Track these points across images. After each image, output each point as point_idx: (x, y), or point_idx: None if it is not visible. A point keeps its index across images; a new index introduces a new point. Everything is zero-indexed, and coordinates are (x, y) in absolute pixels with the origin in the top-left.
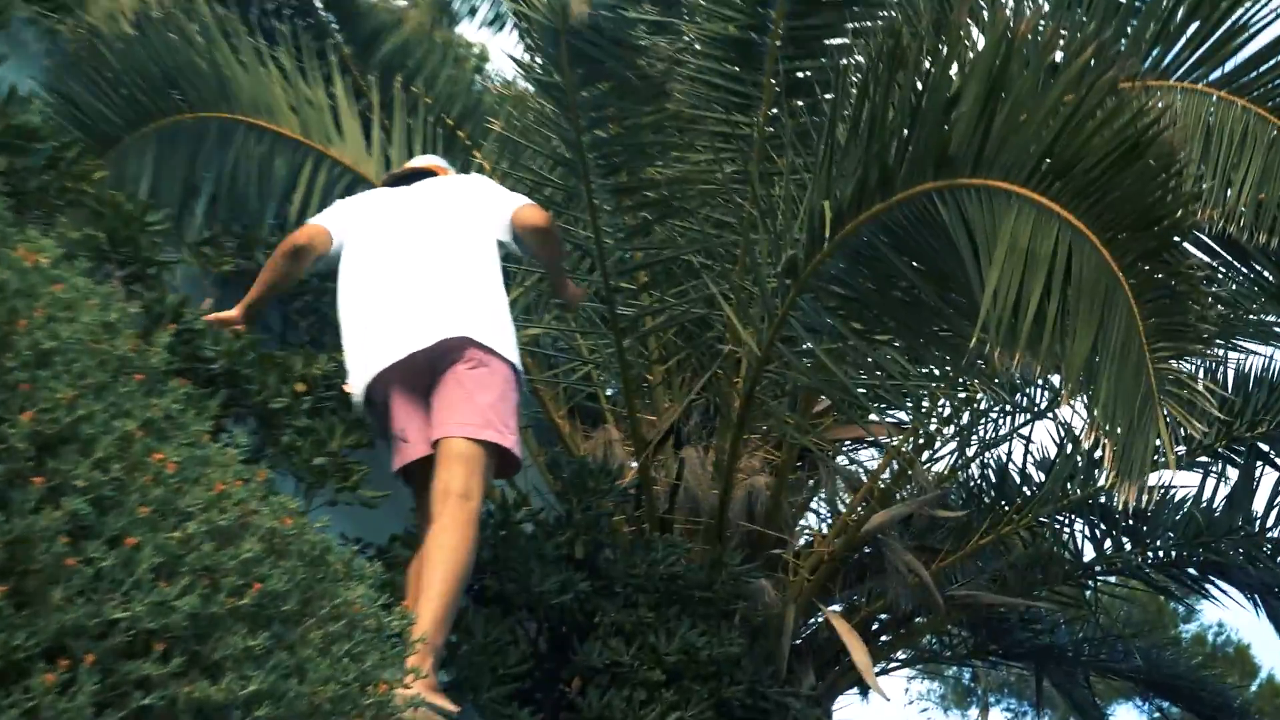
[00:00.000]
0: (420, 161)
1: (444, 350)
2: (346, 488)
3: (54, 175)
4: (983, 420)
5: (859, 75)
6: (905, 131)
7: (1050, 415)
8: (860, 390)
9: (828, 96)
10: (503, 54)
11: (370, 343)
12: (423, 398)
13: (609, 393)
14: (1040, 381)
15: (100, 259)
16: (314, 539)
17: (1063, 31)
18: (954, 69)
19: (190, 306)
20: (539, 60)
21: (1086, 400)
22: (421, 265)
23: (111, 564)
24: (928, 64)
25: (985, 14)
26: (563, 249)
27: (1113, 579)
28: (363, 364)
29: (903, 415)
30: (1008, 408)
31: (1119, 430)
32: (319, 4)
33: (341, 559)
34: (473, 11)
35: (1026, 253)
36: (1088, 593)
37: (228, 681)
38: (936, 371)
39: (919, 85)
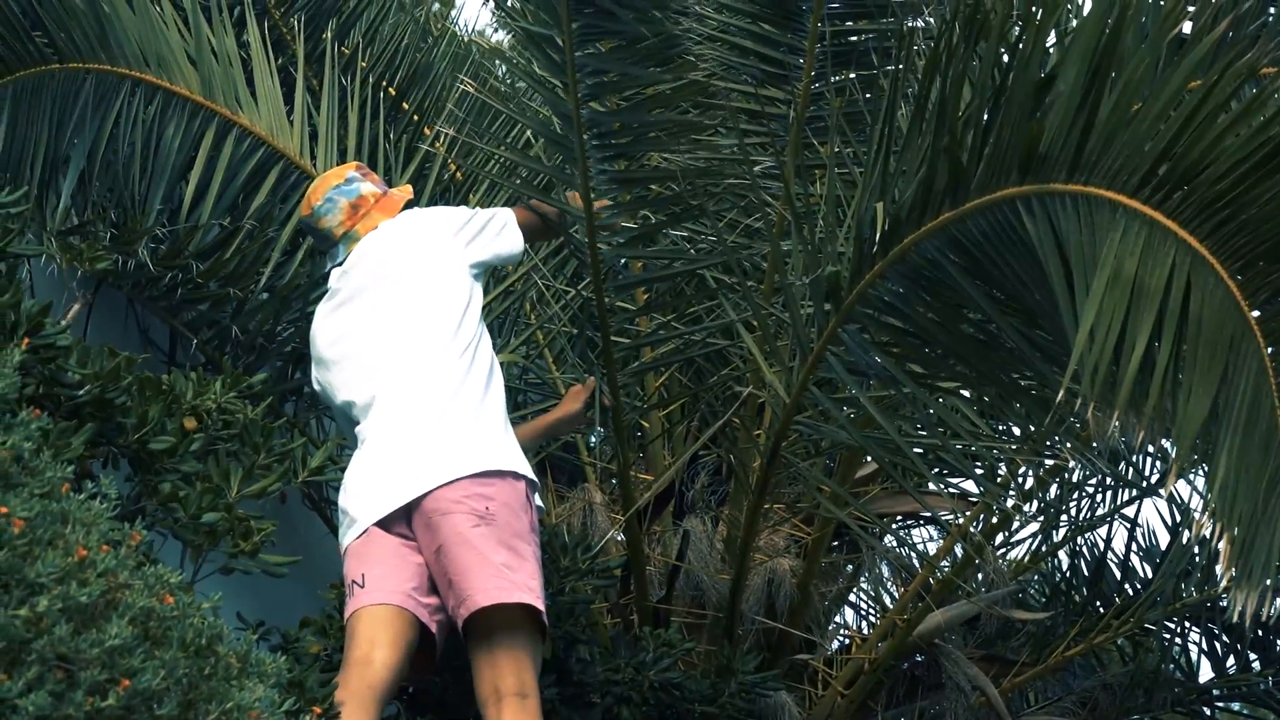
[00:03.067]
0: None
1: (430, 498)
2: (243, 552)
3: None
4: (1075, 496)
5: (928, 42)
6: (985, 119)
7: (1161, 493)
8: (917, 451)
9: (888, 69)
10: None
11: (355, 485)
12: (397, 538)
13: (592, 443)
14: (1150, 449)
15: None
16: (201, 623)
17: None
18: (1050, 40)
19: (52, 314)
20: (526, 4)
21: (1204, 478)
22: (385, 390)
23: None
24: (1016, 33)
25: None
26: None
27: (1236, 705)
28: (348, 507)
29: (971, 486)
30: (1107, 481)
31: (1239, 520)
32: None
33: (236, 651)
34: None
35: (1134, 283)
36: None
37: None
38: (1016, 431)
39: (1004, 60)
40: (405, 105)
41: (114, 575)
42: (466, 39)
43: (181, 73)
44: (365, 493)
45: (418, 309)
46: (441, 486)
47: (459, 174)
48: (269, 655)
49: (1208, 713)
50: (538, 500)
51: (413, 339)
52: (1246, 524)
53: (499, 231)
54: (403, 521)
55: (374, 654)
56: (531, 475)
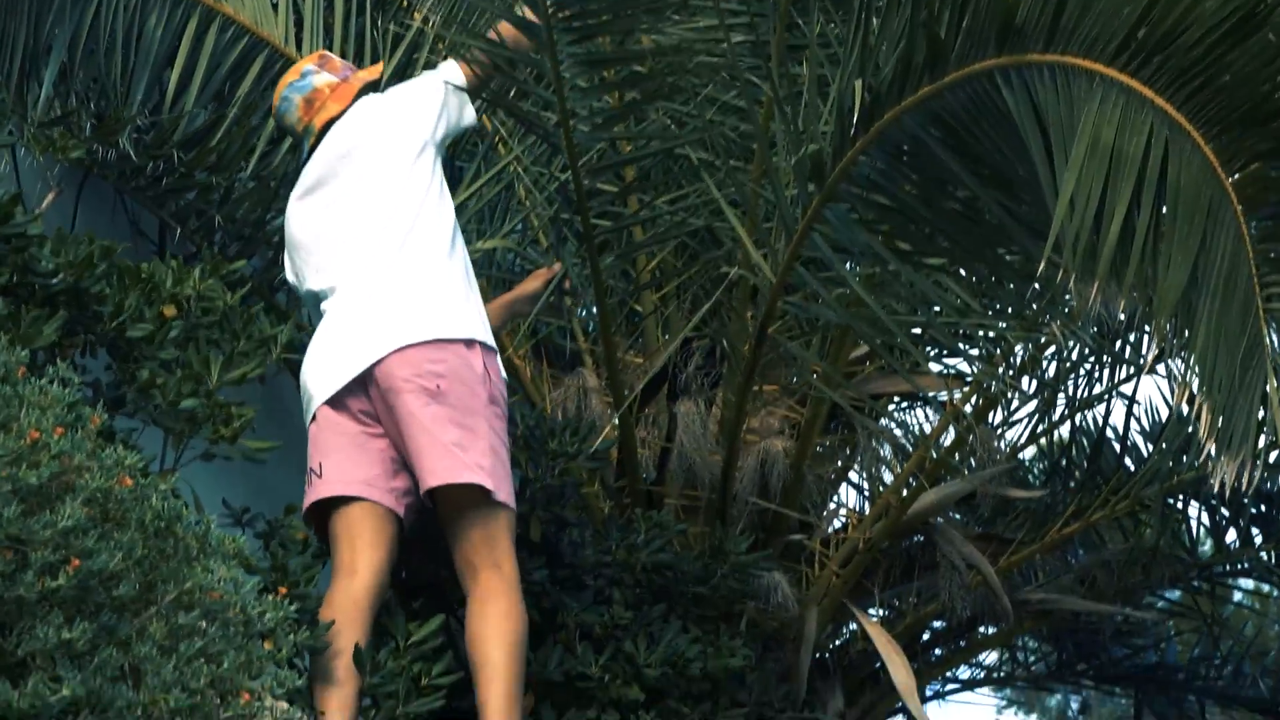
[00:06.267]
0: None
1: (382, 372)
2: (223, 437)
3: None
4: (1072, 374)
5: None
6: None
7: (1160, 370)
8: (909, 330)
9: None
10: None
11: (309, 363)
12: (355, 421)
13: (589, 328)
14: (1147, 327)
15: None
16: (160, 505)
17: None
18: None
19: (28, 204)
20: None
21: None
22: (346, 273)
23: None
24: None
25: None
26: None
27: (1238, 582)
28: (304, 386)
29: (964, 365)
30: (1104, 357)
31: (1218, 388)
32: None
33: (195, 532)
34: None
35: (1112, 151)
36: (1205, 599)
37: (34, 683)
38: (1010, 309)
39: None
40: None
41: (68, 458)
42: None
43: None
44: (317, 370)
45: (378, 194)
46: (390, 356)
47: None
48: (228, 535)
49: (1209, 588)
50: (500, 368)
51: (373, 224)
52: (1225, 392)
53: (459, 107)
54: (363, 397)
55: (357, 560)
56: (488, 341)
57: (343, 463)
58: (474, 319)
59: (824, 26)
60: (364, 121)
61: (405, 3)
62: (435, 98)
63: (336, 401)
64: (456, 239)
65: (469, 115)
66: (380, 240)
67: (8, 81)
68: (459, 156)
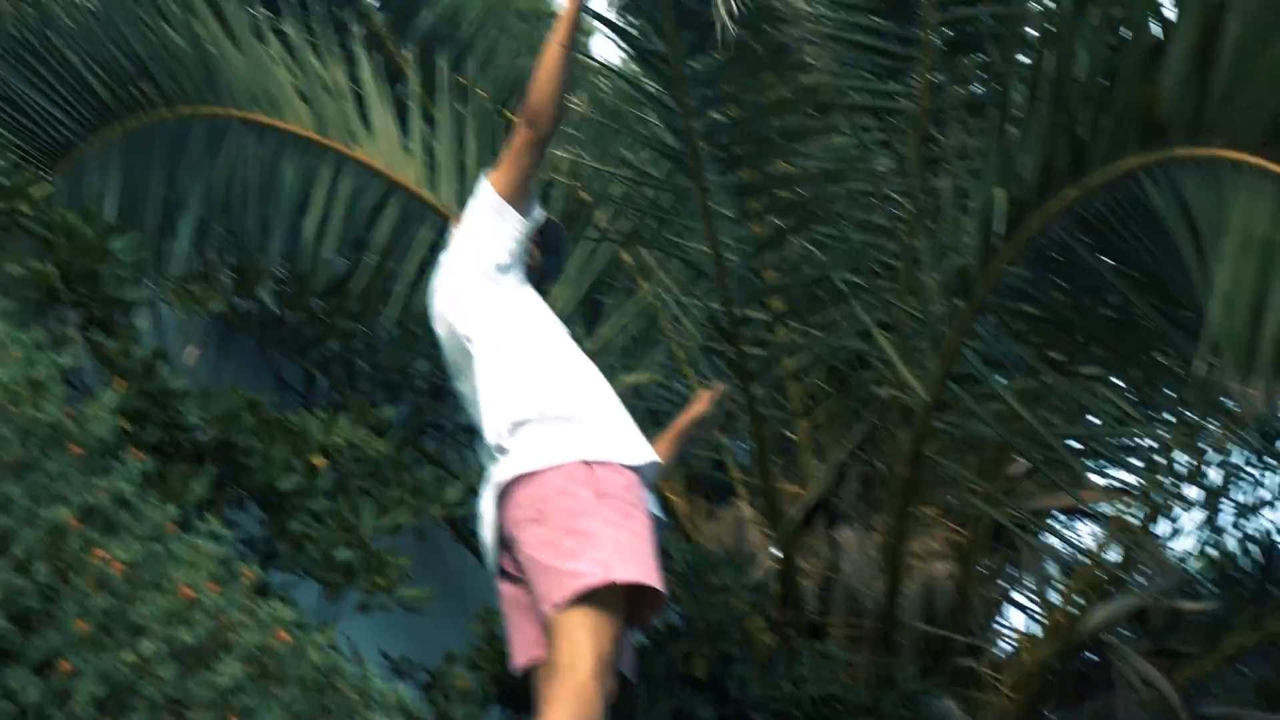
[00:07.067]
0: None
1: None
2: (380, 587)
3: None
4: (1238, 478)
5: (1042, 20)
6: (1100, 93)
7: None
8: (1068, 443)
9: (1003, 51)
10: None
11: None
12: (511, 578)
13: (739, 458)
14: None
15: (50, 299)
16: (319, 658)
17: None
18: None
19: (169, 359)
20: (635, 20)
21: None
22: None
23: (38, 698)
24: (1121, 3)
25: None
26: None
27: None
28: None
29: (1128, 475)
30: (1271, 460)
31: None
32: None
33: (356, 685)
34: None
35: (1266, 245)
36: None
37: None
38: (1170, 415)
39: (1116, 28)
40: None
41: (223, 615)
42: (582, 58)
43: (294, 110)
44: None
45: (460, 348)
46: (504, 509)
47: (581, 193)
48: (389, 686)
49: None
50: (614, 458)
51: (464, 376)
52: None
53: (495, 231)
54: (508, 556)
55: None
56: (579, 455)
57: (514, 633)
58: (556, 441)
59: (961, 138)
60: (442, 271)
61: None
62: (476, 229)
63: (501, 572)
64: (520, 358)
65: (515, 226)
66: (480, 398)
67: (146, 237)
68: (599, 290)
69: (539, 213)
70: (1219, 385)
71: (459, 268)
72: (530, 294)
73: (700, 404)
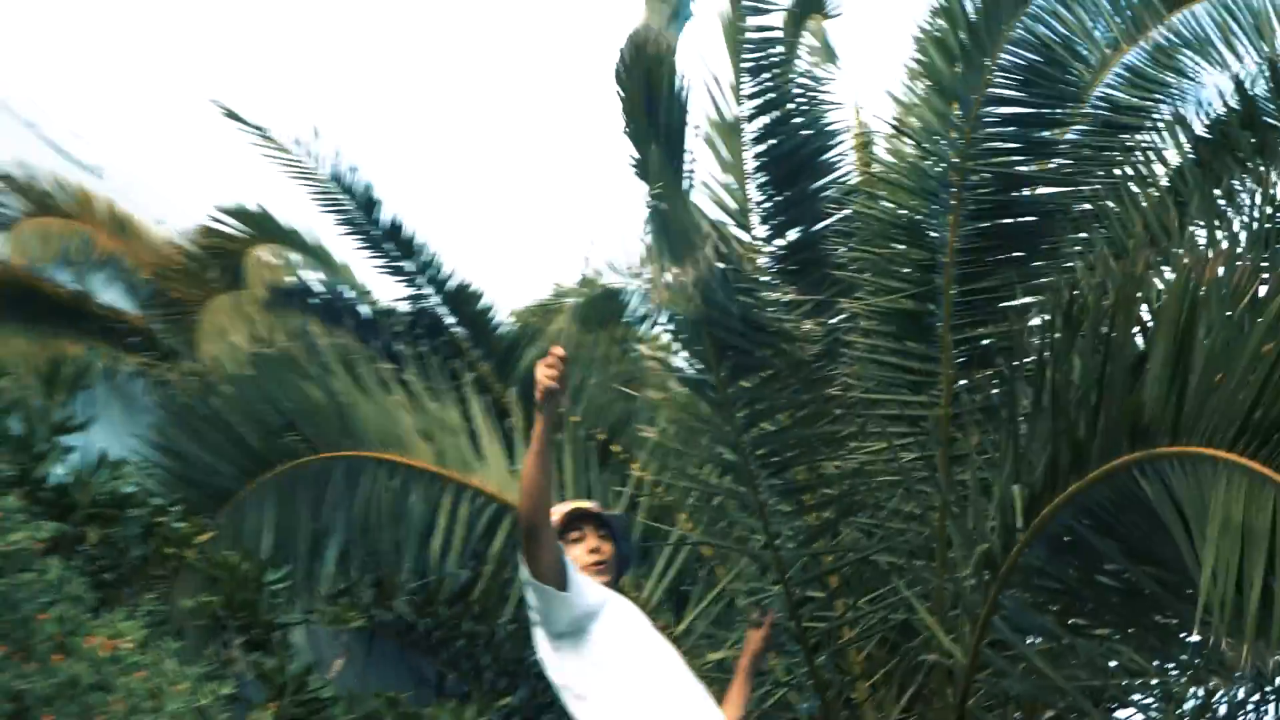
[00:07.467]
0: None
1: None
2: None
3: (155, 542)
4: (1242, 712)
5: (1041, 338)
6: (1093, 400)
7: None
8: (1090, 692)
9: (1013, 364)
10: (649, 352)
11: None
12: None
13: (807, 719)
14: None
15: (218, 627)
16: None
17: (1263, 270)
18: (1147, 315)
19: (321, 667)
20: (687, 356)
21: None
22: None
23: None
24: (1107, 325)
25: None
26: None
27: None
28: None
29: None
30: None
31: None
32: (451, 320)
33: None
34: (618, 313)
35: (1242, 527)
36: None
37: None
38: (1170, 667)
39: (1102, 347)
40: (613, 448)
41: None
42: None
43: (417, 448)
44: None
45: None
46: None
47: (664, 497)
48: None
49: None
50: None
51: None
52: None
53: (545, 608)
54: None
55: None
56: None
57: None
58: None
59: (981, 436)
60: None
61: (623, 456)
62: (531, 605)
63: None
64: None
65: (557, 599)
66: None
67: (298, 563)
68: (684, 581)
69: (580, 580)
70: (1216, 642)
71: (534, 632)
72: (609, 619)
73: (754, 640)
